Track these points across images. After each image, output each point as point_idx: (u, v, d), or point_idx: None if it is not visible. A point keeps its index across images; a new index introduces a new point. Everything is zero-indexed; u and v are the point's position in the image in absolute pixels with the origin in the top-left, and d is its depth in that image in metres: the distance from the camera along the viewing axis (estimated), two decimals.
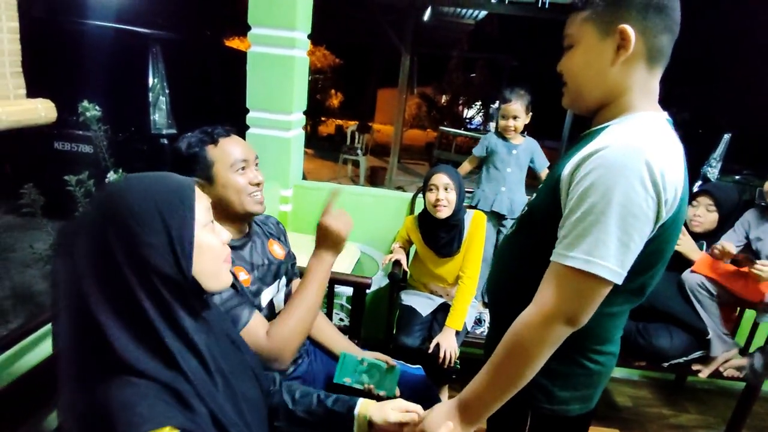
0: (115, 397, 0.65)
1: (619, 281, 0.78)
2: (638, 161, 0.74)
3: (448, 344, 1.80)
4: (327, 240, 1.22)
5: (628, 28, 0.80)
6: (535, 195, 0.97)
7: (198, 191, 0.79)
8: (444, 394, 2.04)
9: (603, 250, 0.75)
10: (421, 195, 2.37)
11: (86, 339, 0.68)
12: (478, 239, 1.92)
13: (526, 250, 0.95)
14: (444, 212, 1.82)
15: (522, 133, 2.38)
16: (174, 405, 0.68)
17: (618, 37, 0.81)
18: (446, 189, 1.82)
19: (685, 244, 1.92)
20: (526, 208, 0.98)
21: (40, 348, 1.06)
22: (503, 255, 1.04)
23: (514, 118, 2.28)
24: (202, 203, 0.78)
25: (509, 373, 0.85)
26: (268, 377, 1.03)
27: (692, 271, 1.89)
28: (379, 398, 1.27)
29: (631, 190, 0.74)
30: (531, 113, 2.33)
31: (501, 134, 2.35)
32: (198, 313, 0.79)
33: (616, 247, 0.75)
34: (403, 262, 2.03)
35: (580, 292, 0.79)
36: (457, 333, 1.86)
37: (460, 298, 1.87)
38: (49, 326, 1.12)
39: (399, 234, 2.16)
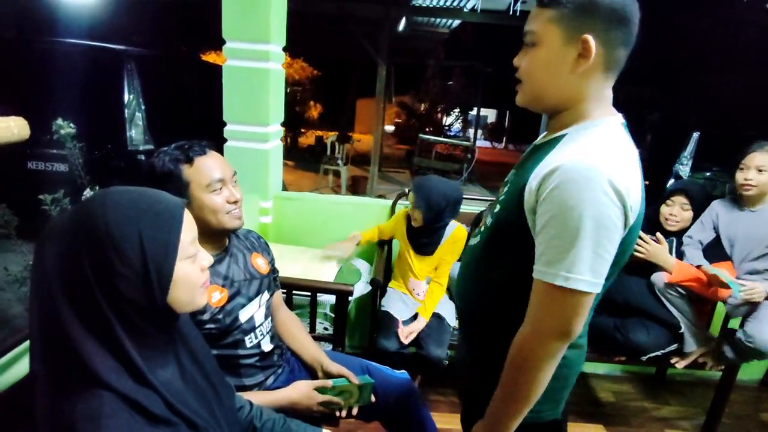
0: (80, 409, 0.65)
1: (598, 290, 0.80)
2: (600, 174, 0.76)
3: (412, 327, 1.97)
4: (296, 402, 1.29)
5: (591, 39, 0.81)
6: (498, 206, 0.97)
7: (187, 217, 0.75)
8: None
9: (580, 265, 0.77)
10: (400, 201, 2.47)
11: (57, 349, 0.67)
12: (455, 250, 2.07)
13: (492, 260, 0.96)
14: (414, 224, 2.05)
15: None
16: (138, 418, 0.68)
17: (580, 46, 0.82)
18: (414, 206, 2.00)
19: (659, 253, 1.89)
20: (490, 218, 0.99)
21: (20, 364, 1.05)
22: (469, 263, 1.05)
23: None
24: (189, 234, 0.74)
25: (519, 393, 0.87)
26: (241, 400, 1.07)
27: (668, 282, 1.90)
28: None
29: (599, 203, 0.76)
30: None
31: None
32: (168, 327, 0.79)
33: (591, 259, 0.78)
34: (356, 238, 2.26)
35: (566, 307, 0.81)
36: (442, 330, 2.00)
37: (430, 296, 2.07)
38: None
39: (386, 225, 2.32)
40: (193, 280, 0.75)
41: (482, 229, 1.02)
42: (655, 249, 1.89)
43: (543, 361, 0.84)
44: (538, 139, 0.99)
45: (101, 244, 0.66)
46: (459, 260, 2.11)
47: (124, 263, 0.67)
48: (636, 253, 1.87)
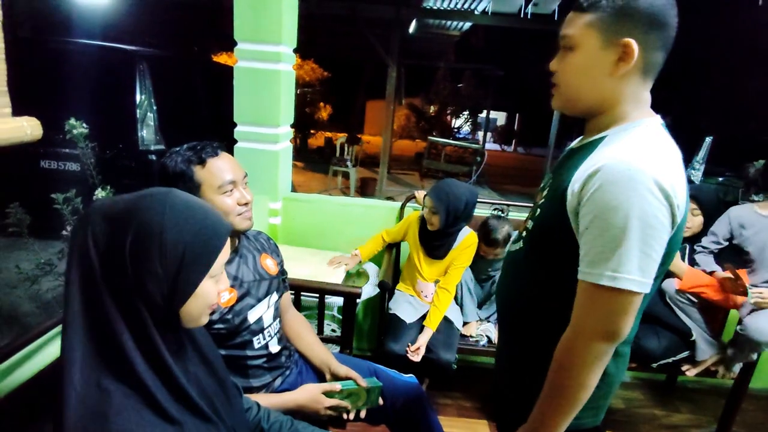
0: (88, 402, 0.65)
1: (647, 290, 0.79)
2: (644, 173, 0.75)
3: (421, 340, 1.94)
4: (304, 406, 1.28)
5: (633, 43, 0.80)
6: (539, 210, 0.96)
7: (227, 244, 0.78)
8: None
9: (627, 264, 0.77)
10: (409, 204, 2.46)
11: (92, 323, 0.68)
12: (465, 257, 2.06)
13: (535, 265, 0.96)
14: (431, 228, 2.02)
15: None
16: (147, 416, 0.69)
17: (620, 49, 0.82)
18: (432, 211, 1.97)
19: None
20: (531, 222, 0.98)
21: (40, 356, 1.06)
22: (512, 269, 1.04)
23: None
24: (223, 256, 0.77)
25: (565, 397, 0.86)
26: (249, 401, 1.07)
27: (678, 289, 1.88)
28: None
29: (645, 202, 0.75)
30: None
31: None
32: (178, 329, 0.80)
33: (639, 259, 0.77)
34: (344, 264, 2.23)
35: (613, 308, 0.80)
36: (451, 333, 2.01)
37: (438, 304, 2.02)
38: (48, 334, 1.12)
39: (394, 228, 2.30)
40: (209, 298, 0.77)
41: (523, 234, 1.01)
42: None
43: (589, 364, 0.82)
44: (574, 142, 0.99)
45: (148, 237, 0.68)
46: (470, 266, 2.11)
47: (161, 262, 0.69)
48: None
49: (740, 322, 1.86)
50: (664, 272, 0.88)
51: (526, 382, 0.98)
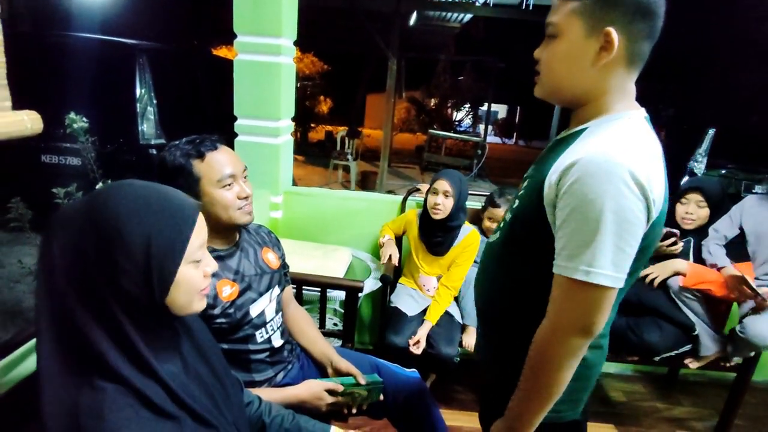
0: (84, 404, 0.65)
1: (621, 285, 0.79)
2: (621, 167, 0.74)
3: (420, 333, 1.94)
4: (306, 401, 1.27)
5: (614, 32, 0.79)
6: (517, 201, 0.96)
7: (199, 221, 0.74)
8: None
9: (602, 259, 0.76)
10: (411, 197, 2.46)
11: (65, 338, 0.67)
12: (468, 255, 2.04)
13: (511, 257, 0.95)
14: (438, 215, 1.98)
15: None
16: (142, 412, 0.68)
17: (602, 38, 0.80)
18: (445, 195, 1.96)
19: (673, 266, 1.89)
20: (510, 214, 0.98)
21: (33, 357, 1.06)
22: (489, 260, 1.04)
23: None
24: (198, 237, 0.74)
25: (540, 391, 0.86)
26: (250, 395, 1.07)
27: (682, 286, 1.88)
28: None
29: (621, 196, 0.74)
30: None
31: None
32: (171, 323, 0.79)
33: (613, 254, 0.76)
34: (396, 256, 2.15)
35: (587, 303, 0.79)
36: (452, 328, 2.01)
37: (439, 300, 2.02)
38: None
39: (393, 222, 2.28)
40: (194, 284, 0.74)
41: (501, 225, 1.01)
42: (667, 265, 1.88)
43: (564, 359, 0.83)
44: (561, 133, 0.98)
45: (108, 235, 0.66)
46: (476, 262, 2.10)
47: (128, 258, 0.66)
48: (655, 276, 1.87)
49: (740, 320, 1.85)
50: (640, 268, 0.88)
51: (505, 374, 0.98)
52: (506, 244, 0.97)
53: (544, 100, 0.94)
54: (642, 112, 0.88)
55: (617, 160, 0.75)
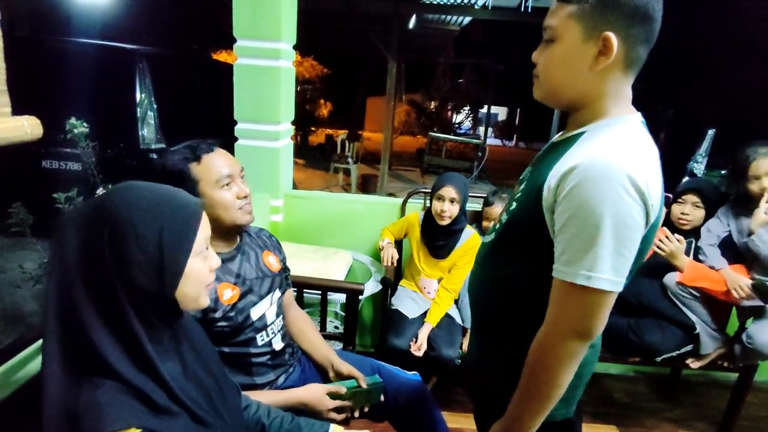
0: (84, 398, 0.66)
1: (620, 289, 0.79)
2: (620, 172, 0.75)
3: (420, 335, 1.96)
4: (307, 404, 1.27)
5: (612, 37, 0.79)
6: (514, 203, 0.95)
7: (204, 215, 0.79)
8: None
9: (602, 264, 0.76)
10: (411, 199, 2.46)
11: (70, 335, 0.69)
12: (469, 258, 2.04)
13: (506, 257, 0.95)
14: (445, 221, 1.99)
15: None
16: (141, 407, 0.69)
17: (600, 43, 0.80)
18: (452, 202, 1.96)
19: (678, 253, 1.85)
20: (505, 215, 0.97)
21: (35, 362, 1.06)
22: (482, 261, 1.04)
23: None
24: (203, 231, 0.78)
25: (540, 394, 0.86)
26: (247, 399, 1.07)
27: (679, 283, 1.87)
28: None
29: (620, 201, 0.75)
30: None
31: None
32: (173, 323, 0.80)
33: (614, 259, 0.76)
34: (395, 257, 2.15)
35: (587, 307, 0.80)
36: (453, 330, 2.01)
37: (439, 302, 2.03)
38: None
39: (394, 226, 2.27)
40: (202, 277, 0.78)
41: (496, 226, 1.01)
42: (677, 247, 1.86)
43: (563, 362, 0.83)
44: (556, 136, 0.97)
45: (123, 230, 0.69)
46: None
47: (141, 250, 0.69)
48: (657, 251, 1.84)
49: (742, 326, 1.85)
50: (635, 270, 0.87)
51: (497, 375, 0.98)
52: (501, 244, 0.97)
53: (543, 103, 0.94)
54: (638, 117, 0.88)
55: (616, 164, 0.75)
